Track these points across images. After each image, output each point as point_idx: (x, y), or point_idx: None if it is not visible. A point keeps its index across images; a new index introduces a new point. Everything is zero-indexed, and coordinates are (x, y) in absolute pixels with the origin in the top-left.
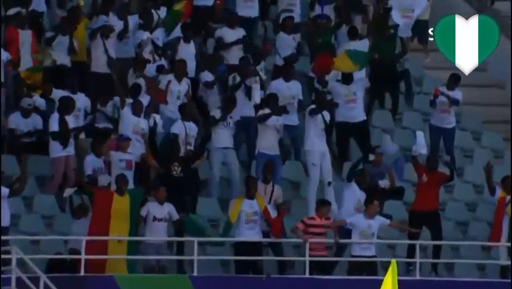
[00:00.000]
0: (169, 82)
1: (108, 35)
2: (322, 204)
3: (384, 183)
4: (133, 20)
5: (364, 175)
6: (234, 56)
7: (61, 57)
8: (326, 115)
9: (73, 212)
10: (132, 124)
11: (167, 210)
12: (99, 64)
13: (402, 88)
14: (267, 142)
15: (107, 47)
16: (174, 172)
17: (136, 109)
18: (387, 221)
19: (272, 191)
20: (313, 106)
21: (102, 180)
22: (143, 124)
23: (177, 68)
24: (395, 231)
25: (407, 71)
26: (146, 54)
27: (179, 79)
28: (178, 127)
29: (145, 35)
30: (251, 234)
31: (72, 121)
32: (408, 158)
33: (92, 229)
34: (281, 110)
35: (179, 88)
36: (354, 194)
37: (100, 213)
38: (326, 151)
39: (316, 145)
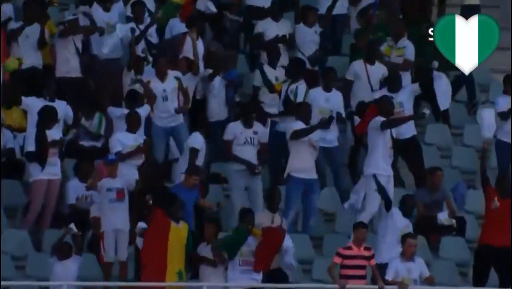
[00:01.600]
0: (148, 82)
1: (75, 32)
2: (357, 226)
3: (443, 217)
4: (119, 11)
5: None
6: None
7: (30, 57)
8: (394, 130)
9: (57, 251)
10: (124, 143)
11: None
12: (69, 68)
13: (463, 96)
14: (302, 163)
15: (78, 46)
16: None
17: (133, 124)
18: (427, 272)
19: (281, 222)
20: (382, 118)
21: (95, 210)
22: (138, 141)
23: (157, 63)
24: (455, 274)
25: (469, 75)
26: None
27: (160, 76)
28: (199, 141)
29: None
30: (245, 279)
31: (52, 135)
32: (471, 184)
33: (147, 267)
34: (327, 123)
35: (163, 87)
36: (395, 225)
37: (155, 245)
38: (391, 175)
39: (382, 167)
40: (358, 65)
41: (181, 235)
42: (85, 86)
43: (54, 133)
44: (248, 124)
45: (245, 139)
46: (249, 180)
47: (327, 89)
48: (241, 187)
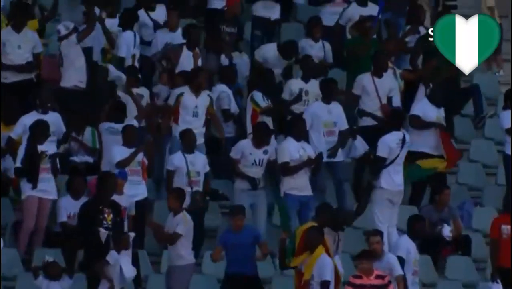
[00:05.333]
0: (181, 95)
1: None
2: (362, 256)
3: (445, 230)
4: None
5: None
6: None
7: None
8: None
9: (47, 271)
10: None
11: None
12: (82, 78)
13: (470, 109)
14: (296, 181)
15: None
16: (105, 222)
17: (130, 138)
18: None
19: (338, 239)
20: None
21: None
22: (139, 156)
23: (196, 78)
24: None
25: (476, 88)
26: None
27: (196, 92)
28: (176, 162)
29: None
30: None
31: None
32: (478, 201)
33: None
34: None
35: (196, 103)
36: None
37: None
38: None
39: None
40: (366, 78)
41: None
42: (87, 98)
43: (47, 148)
44: (260, 146)
45: (254, 161)
46: (254, 197)
47: (328, 101)
48: (246, 205)
